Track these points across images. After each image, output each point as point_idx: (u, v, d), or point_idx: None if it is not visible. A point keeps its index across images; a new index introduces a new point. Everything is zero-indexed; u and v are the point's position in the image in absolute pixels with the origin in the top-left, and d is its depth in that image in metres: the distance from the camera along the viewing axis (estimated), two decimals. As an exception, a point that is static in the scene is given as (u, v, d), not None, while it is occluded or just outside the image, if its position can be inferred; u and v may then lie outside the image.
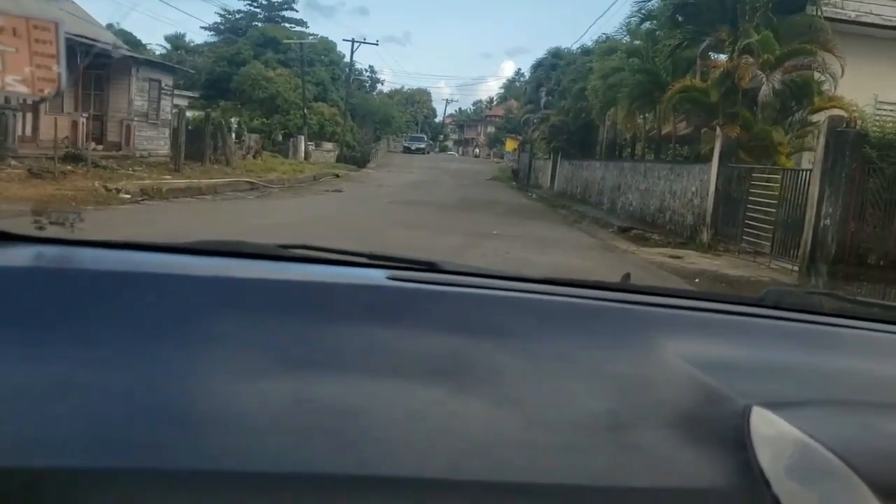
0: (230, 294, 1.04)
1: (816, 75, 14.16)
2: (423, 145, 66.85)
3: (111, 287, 1.01)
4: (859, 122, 11.54)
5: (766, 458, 0.84)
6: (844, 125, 11.11)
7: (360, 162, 39.62)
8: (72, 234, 1.26)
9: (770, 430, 0.88)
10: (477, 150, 79.21)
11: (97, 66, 20.95)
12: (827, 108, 13.28)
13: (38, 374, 0.82)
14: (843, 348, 1.27)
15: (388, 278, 1.16)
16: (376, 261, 1.31)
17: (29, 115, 18.37)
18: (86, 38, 15.22)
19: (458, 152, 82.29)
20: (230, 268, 1.16)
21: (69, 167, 16.08)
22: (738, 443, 0.87)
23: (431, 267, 1.30)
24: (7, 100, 15.56)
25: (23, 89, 1.03)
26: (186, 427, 0.79)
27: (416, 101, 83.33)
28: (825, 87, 14.24)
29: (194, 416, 0.81)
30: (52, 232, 1.26)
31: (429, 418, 0.87)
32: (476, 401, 0.91)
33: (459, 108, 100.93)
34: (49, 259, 1.09)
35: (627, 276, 1.81)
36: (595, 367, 1.04)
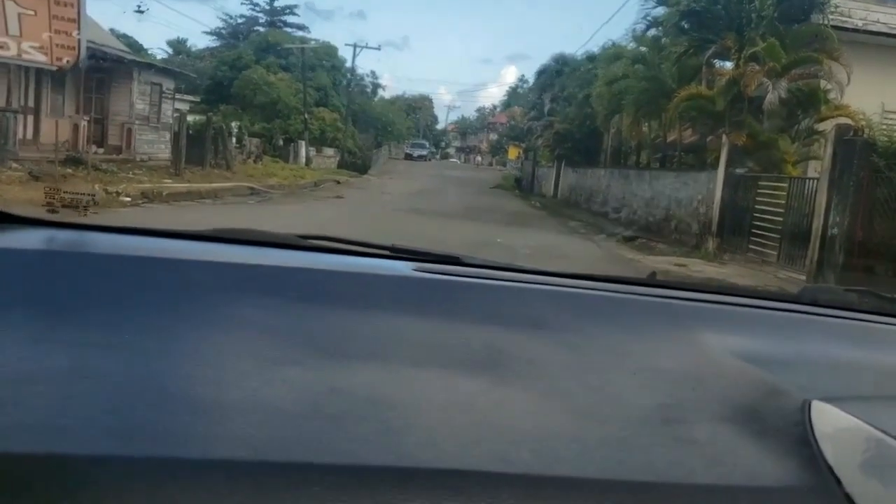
0: (253, 281, 1.01)
1: (823, 84, 14.17)
2: (424, 152, 66.79)
3: (128, 272, 0.98)
4: (866, 130, 11.54)
5: (832, 454, 0.79)
6: (851, 134, 11.10)
7: (362, 168, 39.59)
8: (84, 218, 1.20)
9: (834, 424, 0.83)
10: (478, 158, 74.74)
11: (99, 69, 20.92)
12: (833, 117, 13.28)
13: (54, 359, 0.77)
14: (886, 345, 1.25)
15: (415, 270, 1.14)
16: (399, 253, 1.28)
17: (30, 118, 18.33)
18: (89, 41, 15.15)
19: (460, 160, 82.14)
20: (250, 255, 1.12)
21: (70, 170, 16.03)
22: (800, 438, 0.82)
23: (455, 260, 1.27)
24: (8, 102, 15.49)
25: (40, 58, 0.91)
26: (215, 415, 0.73)
27: (418, 107, 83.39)
28: (831, 95, 14.24)
29: (224, 404, 0.74)
30: (64, 216, 1.20)
31: (473, 409, 0.82)
32: (520, 392, 0.87)
33: (462, 115, 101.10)
34: (62, 243, 1.07)
35: (653, 274, 1.76)
36: (641, 361, 1.00)
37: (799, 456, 0.81)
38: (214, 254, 1.10)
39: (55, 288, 0.91)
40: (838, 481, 0.76)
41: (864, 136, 11.11)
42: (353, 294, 1.03)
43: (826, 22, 14.64)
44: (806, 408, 0.86)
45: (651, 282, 1.38)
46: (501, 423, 0.81)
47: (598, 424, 0.84)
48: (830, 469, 0.78)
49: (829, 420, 0.84)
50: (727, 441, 0.84)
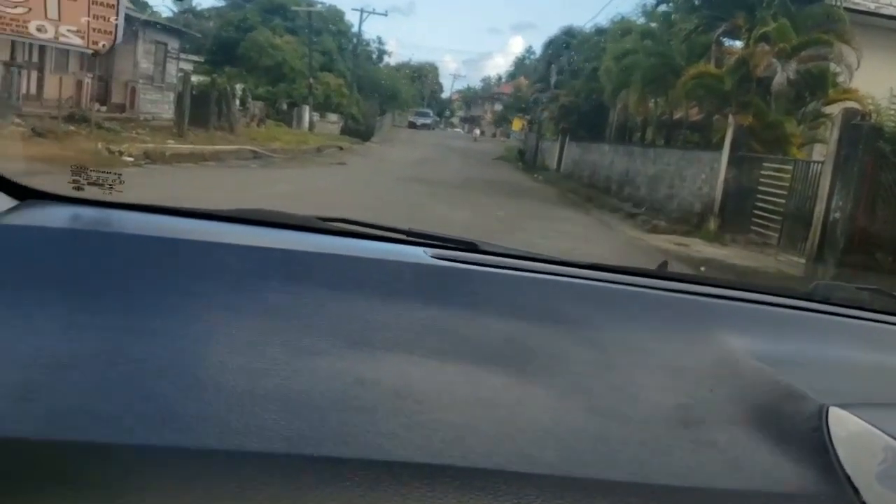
0: (277, 265, 1.02)
1: (832, 66, 14.03)
2: (428, 121, 65.92)
3: (155, 253, 0.98)
4: (874, 115, 11.44)
5: (849, 462, 0.79)
6: (859, 118, 11.03)
7: (365, 135, 39.26)
8: (109, 196, 1.21)
9: (851, 431, 0.83)
10: (476, 131, 67.11)
11: (103, 26, 20.68)
12: (841, 101, 13.18)
13: (87, 343, 0.77)
14: None
15: (433, 257, 1.15)
16: (415, 238, 1.30)
17: (34, 73, 18.18)
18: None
19: (464, 129, 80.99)
20: (273, 238, 1.13)
21: (72, 127, 15.93)
22: (817, 444, 0.83)
23: (471, 247, 1.28)
24: (12, 57, 15.36)
25: (77, 41, 0.93)
26: (248, 405, 0.73)
27: (423, 75, 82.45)
28: (840, 78, 14.12)
29: (256, 393, 0.75)
30: (86, 193, 1.22)
31: (497, 405, 0.83)
32: (542, 389, 0.88)
33: (468, 85, 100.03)
34: (88, 221, 1.06)
35: (665, 263, 1.76)
36: (659, 359, 1.00)
37: (817, 463, 0.81)
38: (238, 236, 1.10)
39: (84, 268, 0.91)
40: (856, 490, 0.77)
41: (872, 120, 11.03)
42: (373, 281, 1.03)
43: (839, 3, 14.46)
44: (823, 413, 0.86)
45: (667, 274, 1.39)
46: (525, 421, 0.81)
47: (620, 425, 0.84)
48: (848, 478, 0.78)
49: (846, 427, 0.84)
50: (746, 445, 0.84)
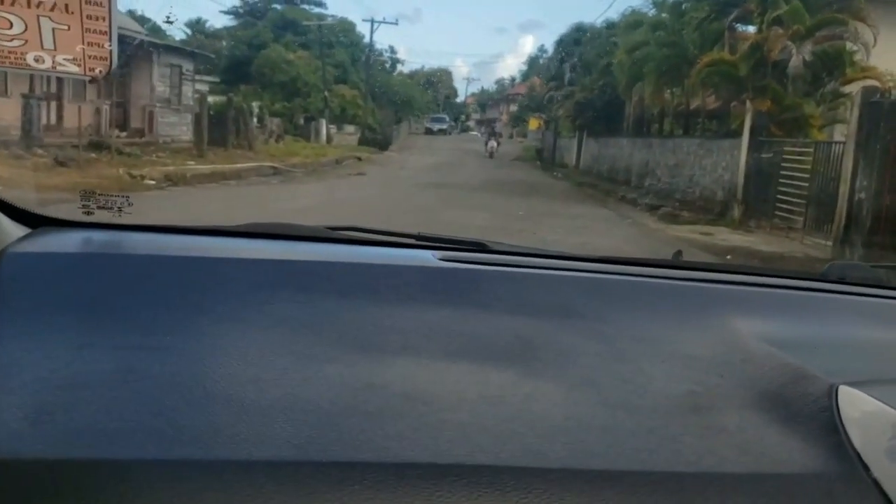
0: (286, 276, 1.02)
1: (848, 45, 13.86)
2: (444, 126, 65.88)
3: (165, 272, 0.99)
4: (894, 91, 11.27)
5: (859, 440, 0.79)
6: (878, 95, 10.89)
7: (382, 144, 39.38)
8: (118, 218, 1.23)
9: (861, 409, 0.83)
10: (493, 143, 57.49)
11: (119, 52, 20.93)
12: (860, 79, 13.03)
13: (99, 363, 0.79)
14: None
15: (440, 259, 1.15)
16: (424, 241, 1.30)
17: (53, 104, 18.46)
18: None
19: (480, 132, 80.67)
20: (283, 250, 1.14)
21: (93, 155, 16.15)
22: (827, 424, 0.83)
23: (480, 247, 1.28)
24: (31, 88, 15.62)
25: (74, 69, 0.95)
26: (258, 415, 0.74)
27: (437, 80, 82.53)
28: (857, 57, 13.97)
29: (265, 403, 0.76)
30: (97, 217, 1.24)
31: (504, 402, 0.84)
32: (550, 384, 0.88)
33: (482, 87, 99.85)
34: (100, 244, 1.08)
35: (679, 253, 1.76)
36: (669, 348, 1.00)
37: (826, 442, 0.81)
38: (248, 250, 1.12)
39: (96, 290, 0.93)
40: (866, 467, 0.77)
41: (892, 97, 10.90)
42: (382, 286, 1.04)
43: (851, -19, 14.32)
44: (833, 393, 0.86)
45: (678, 263, 1.38)
46: (533, 417, 0.82)
47: (629, 415, 0.84)
48: (858, 455, 0.78)
49: (856, 405, 0.84)
50: (755, 428, 0.84)
